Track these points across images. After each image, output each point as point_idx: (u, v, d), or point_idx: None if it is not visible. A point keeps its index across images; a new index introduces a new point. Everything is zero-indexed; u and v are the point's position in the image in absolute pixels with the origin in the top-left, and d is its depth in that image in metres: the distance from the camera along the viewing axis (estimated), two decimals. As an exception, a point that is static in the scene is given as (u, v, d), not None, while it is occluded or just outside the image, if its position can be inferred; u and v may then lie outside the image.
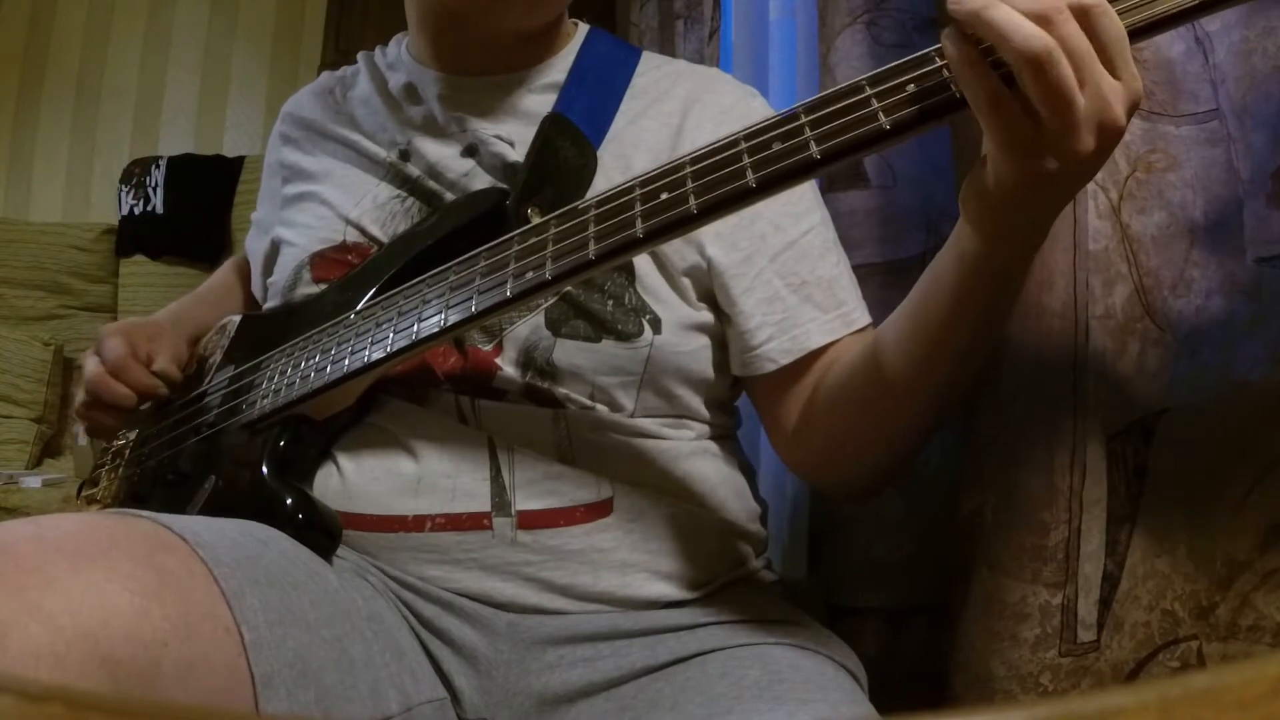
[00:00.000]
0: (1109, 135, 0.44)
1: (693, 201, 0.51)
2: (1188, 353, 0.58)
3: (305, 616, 0.52)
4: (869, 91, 0.48)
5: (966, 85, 0.45)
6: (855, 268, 0.74)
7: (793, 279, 0.69)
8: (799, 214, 0.71)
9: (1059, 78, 0.42)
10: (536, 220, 0.64)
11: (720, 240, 0.69)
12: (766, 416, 0.72)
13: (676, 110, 0.73)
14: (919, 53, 0.48)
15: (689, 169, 0.52)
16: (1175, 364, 0.59)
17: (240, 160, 2.60)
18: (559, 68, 0.76)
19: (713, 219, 0.52)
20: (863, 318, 0.71)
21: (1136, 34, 0.45)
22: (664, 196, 0.52)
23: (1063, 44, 0.43)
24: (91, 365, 0.75)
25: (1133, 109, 0.45)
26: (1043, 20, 0.43)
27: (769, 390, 0.70)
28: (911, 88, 0.47)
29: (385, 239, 0.72)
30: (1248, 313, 0.57)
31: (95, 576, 0.43)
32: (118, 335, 0.76)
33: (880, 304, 0.78)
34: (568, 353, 0.66)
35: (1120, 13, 0.45)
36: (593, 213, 0.55)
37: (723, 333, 0.71)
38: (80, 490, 0.80)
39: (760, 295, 0.68)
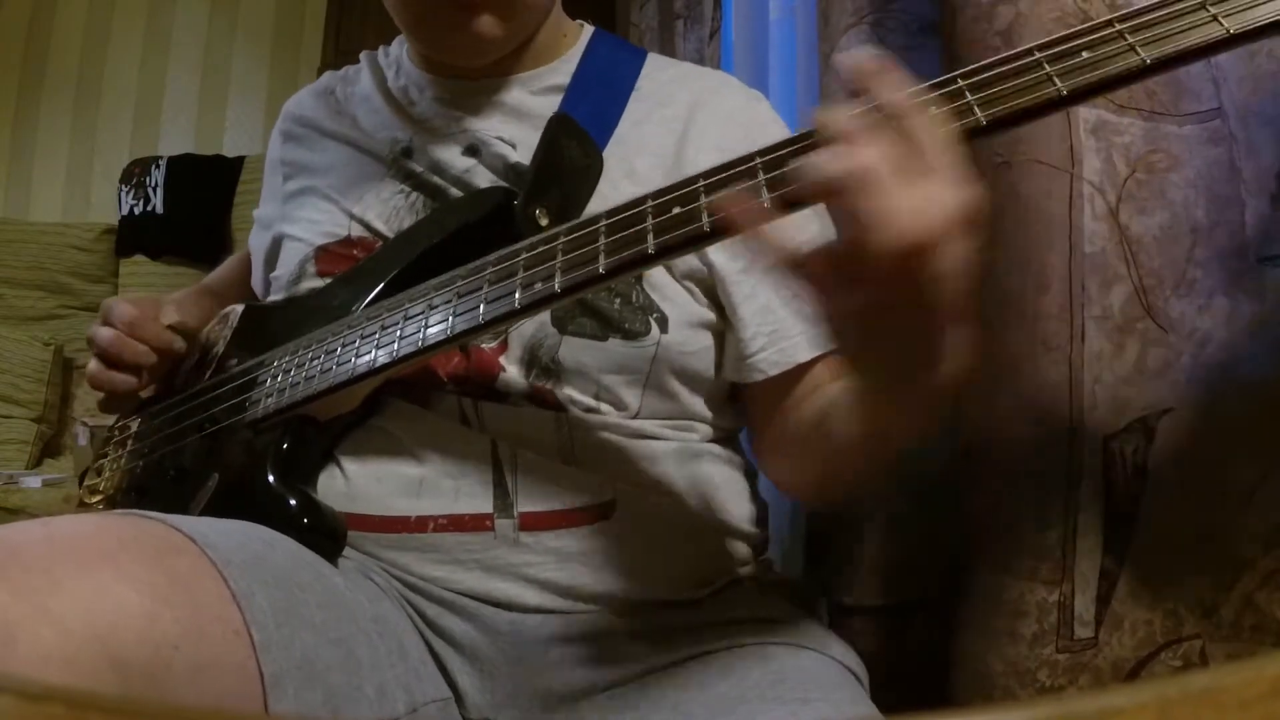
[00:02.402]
0: (916, 252, 0.42)
1: (705, 219, 0.50)
2: (1191, 353, 0.58)
3: (311, 618, 0.52)
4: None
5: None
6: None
7: (785, 290, 0.69)
8: (798, 224, 0.71)
9: (862, 203, 0.42)
10: (545, 223, 0.64)
11: (723, 246, 0.68)
12: (750, 424, 0.74)
13: (681, 114, 0.73)
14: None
15: (702, 184, 0.52)
16: (1178, 364, 0.59)
17: (240, 160, 2.60)
18: (562, 70, 0.75)
19: (726, 237, 0.51)
20: None
21: (1156, 68, 0.43)
22: (676, 211, 0.52)
23: (862, 166, 0.42)
24: (103, 331, 0.73)
25: (957, 211, 0.42)
26: (847, 138, 0.43)
27: (758, 400, 0.71)
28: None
29: (390, 234, 0.72)
30: (1251, 313, 0.57)
31: (105, 578, 0.43)
32: (124, 301, 0.75)
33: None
34: (573, 350, 0.65)
35: (1143, 44, 0.43)
36: (603, 224, 0.55)
37: (725, 334, 0.71)
38: (83, 479, 0.79)
39: (758, 304, 0.68)
